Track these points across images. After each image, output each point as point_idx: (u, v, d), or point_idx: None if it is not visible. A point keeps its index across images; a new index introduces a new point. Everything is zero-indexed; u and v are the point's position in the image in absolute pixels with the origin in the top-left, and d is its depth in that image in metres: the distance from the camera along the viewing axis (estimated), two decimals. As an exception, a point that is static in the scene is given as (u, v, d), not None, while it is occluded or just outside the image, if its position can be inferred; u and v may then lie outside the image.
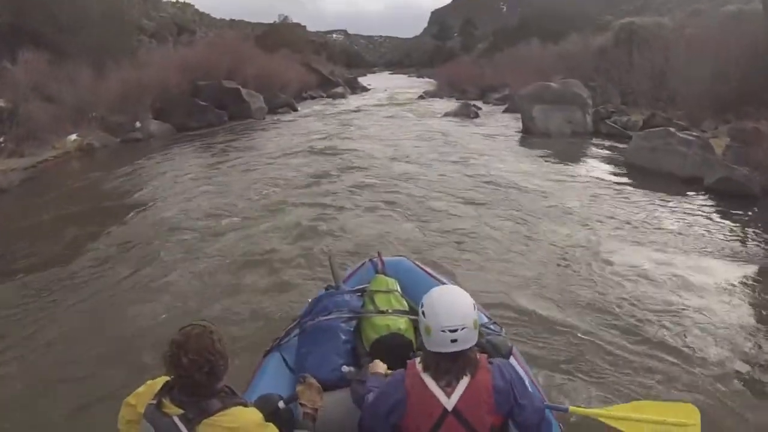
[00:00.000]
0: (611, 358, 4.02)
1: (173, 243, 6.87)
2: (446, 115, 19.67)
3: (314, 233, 7.00)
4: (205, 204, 8.62)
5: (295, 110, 24.75)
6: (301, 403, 2.07)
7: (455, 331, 1.84)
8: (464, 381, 1.87)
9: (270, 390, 2.30)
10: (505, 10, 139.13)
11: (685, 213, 7.58)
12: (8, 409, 3.74)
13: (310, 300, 3.14)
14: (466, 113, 18.99)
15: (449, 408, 1.86)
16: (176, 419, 1.67)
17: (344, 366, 2.62)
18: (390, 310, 2.89)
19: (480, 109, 20.62)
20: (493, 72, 29.80)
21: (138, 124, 16.50)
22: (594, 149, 12.76)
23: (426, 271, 3.54)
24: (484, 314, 3.06)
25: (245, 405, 1.78)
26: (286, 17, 54.68)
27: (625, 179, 9.58)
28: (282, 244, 6.66)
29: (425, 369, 1.91)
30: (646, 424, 2.12)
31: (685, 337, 4.31)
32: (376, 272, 3.36)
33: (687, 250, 6.18)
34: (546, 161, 11.49)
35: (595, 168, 10.69)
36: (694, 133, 10.15)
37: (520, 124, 15.89)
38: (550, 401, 2.66)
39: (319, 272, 5.45)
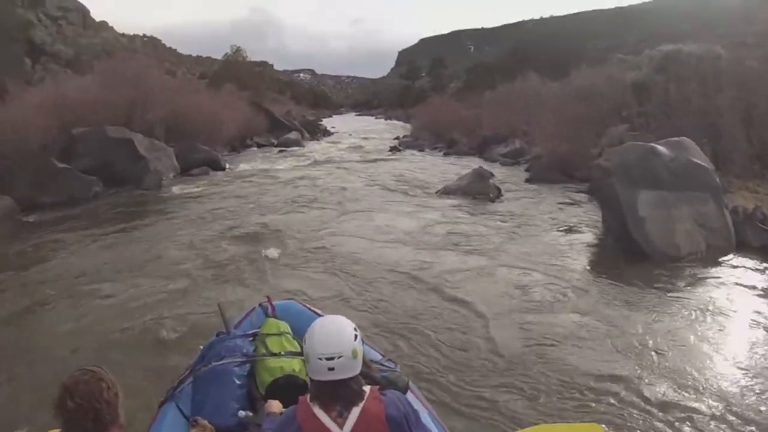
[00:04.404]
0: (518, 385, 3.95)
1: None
2: (446, 193, 11.79)
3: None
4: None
5: (220, 169, 17.28)
6: None
7: (332, 359, 1.74)
8: (355, 411, 1.77)
9: None
10: (472, 50, 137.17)
11: None
12: None
13: (202, 347, 2.97)
14: (481, 190, 11.18)
15: None
16: None
17: (240, 411, 2.52)
18: (283, 353, 2.80)
19: (493, 176, 12.81)
20: (491, 115, 22.96)
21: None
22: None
23: (316, 313, 3.30)
24: (378, 352, 3.05)
25: None
26: (238, 48, 46.55)
27: None
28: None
29: (312, 398, 1.81)
30: None
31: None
32: (267, 316, 3.20)
33: None
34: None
35: None
36: None
37: (591, 218, 8.82)
38: None
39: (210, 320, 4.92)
